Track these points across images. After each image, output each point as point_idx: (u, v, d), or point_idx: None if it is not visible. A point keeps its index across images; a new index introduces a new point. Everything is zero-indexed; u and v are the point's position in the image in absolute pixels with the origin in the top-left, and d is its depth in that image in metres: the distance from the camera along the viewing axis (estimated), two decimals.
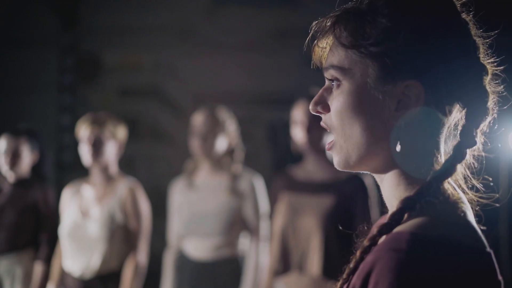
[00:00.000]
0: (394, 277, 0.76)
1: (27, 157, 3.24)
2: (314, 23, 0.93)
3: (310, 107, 0.94)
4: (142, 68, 5.00)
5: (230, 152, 2.95)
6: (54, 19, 4.97)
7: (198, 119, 2.91)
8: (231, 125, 2.94)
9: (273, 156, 4.94)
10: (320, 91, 0.94)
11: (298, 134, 2.62)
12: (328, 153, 2.60)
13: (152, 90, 4.99)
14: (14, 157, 3.19)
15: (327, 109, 0.93)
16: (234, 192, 2.86)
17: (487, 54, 0.90)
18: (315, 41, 0.94)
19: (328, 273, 2.47)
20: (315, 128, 2.57)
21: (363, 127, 0.88)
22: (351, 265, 0.86)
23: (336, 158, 0.93)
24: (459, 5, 0.89)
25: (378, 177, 0.94)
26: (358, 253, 0.86)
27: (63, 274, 2.91)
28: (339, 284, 0.89)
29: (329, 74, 0.91)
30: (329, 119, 0.93)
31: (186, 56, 4.95)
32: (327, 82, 0.93)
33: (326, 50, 0.93)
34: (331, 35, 0.91)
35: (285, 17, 4.94)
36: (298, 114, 2.61)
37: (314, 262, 2.50)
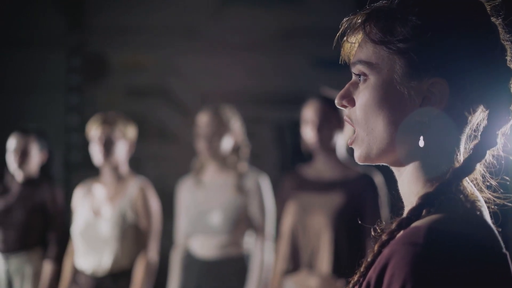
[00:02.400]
0: (410, 270, 0.77)
1: (36, 156, 3.25)
2: (344, 20, 0.95)
3: (336, 100, 0.96)
4: (149, 68, 5.00)
5: (236, 150, 2.97)
6: (61, 19, 4.98)
7: (203, 120, 2.92)
8: (235, 124, 2.95)
9: (280, 156, 4.95)
10: (347, 85, 0.95)
11: (309, 133, 2.63)
12: (338, 152, 2.64)
13: (159, 90, 5.00)
14: (23, 156, 3.20)
15: (352, 103, 0.94)
16: (240, 190, 2.87)
17: None
18: (345, 37, 0.95)
19: (338, 272, 2.48)
20: (325, 127, 2.59)
21: (386, 121, 0.89)
22: (369, 258, 0.87)
23: (358, 152, 0.94)
24: (489, 8, 0.91)
25: (397, 171, 0.95)
26: (376, 247, 0.87)
27: (75, 273, 2.95)
28: (356, 277, 0.89)
29: (356, 69, 0.93)
30: (353, 113, 0.94)
31: (193, 56, 4.95)
32: (354, 77, 0.94)
33: (355, 46, 0.95)
34: (361, 32, 0.93)
35: (292, 17, 4.94)
36: (308, 114, 2.62)
37: (324, 261, 2.52)
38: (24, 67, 4.88)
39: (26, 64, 4.87)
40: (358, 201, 2.55)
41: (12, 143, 3.22)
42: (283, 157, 4.93)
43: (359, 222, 2.41)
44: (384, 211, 2.55)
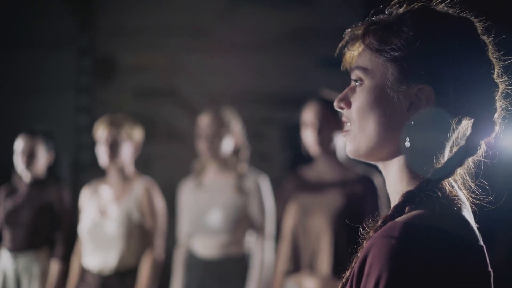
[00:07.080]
0: (385, 261, 0.84)
1: (43, 157, 3.29)
2: (346, 31, 1.04)
3: (335, 103, 1.05)
4: (158, 69, 5.04)
5: (236, 152, 3.00)
6: (71, 21, 5.03)
7: (204, 121, 2.96)
8: (236, 125, 2.99)
9: (288, 157, 4.96)
10: (346, 90, 1.04)
11: (309, 135, 2.65)
12: (338, 154, 2.65)
13: (168, 91, 5.03)
14: (30, 157, 3.24)
15: (349, 105, 1.03)
16: (240, 190, 2.91)
17: (502, 74, 0.98)
18: (347, 47, 1.05)
19: (338, 273, 2.49)
20: (325, 129, 2.60)
21: (376, 121, 0.98)
22: (359, 254, 0.93)
23: (349, 146, 1.04)
24: (480, 28, 0.99)
25: (384, 171, 1.03)
26: (364, 243, 0.93)
27: (83, 271, 3.00)
28: (348, 273, 0.96)
29: (354, 74, 1.02)
30: (350, 113, 1.02)
31: (201, 57, 4.98)
32: (352, 83, 1.03)
33: (355, 55, 1.04)
34: (361, 41, 1.02)
35: (300, 18, 4.95)
36: (308, 116, 2.64)
37: (324, 262, 2.53)
38: (34, 68, 4.93)
39: (35, 65, 4.93)
40: (358, 202, 2.56)
41: (19, 144, 3.26)
42: (290, 158, 4.94)
43: (359, 223, 2.42)
44: (384, 212, 2.55)
